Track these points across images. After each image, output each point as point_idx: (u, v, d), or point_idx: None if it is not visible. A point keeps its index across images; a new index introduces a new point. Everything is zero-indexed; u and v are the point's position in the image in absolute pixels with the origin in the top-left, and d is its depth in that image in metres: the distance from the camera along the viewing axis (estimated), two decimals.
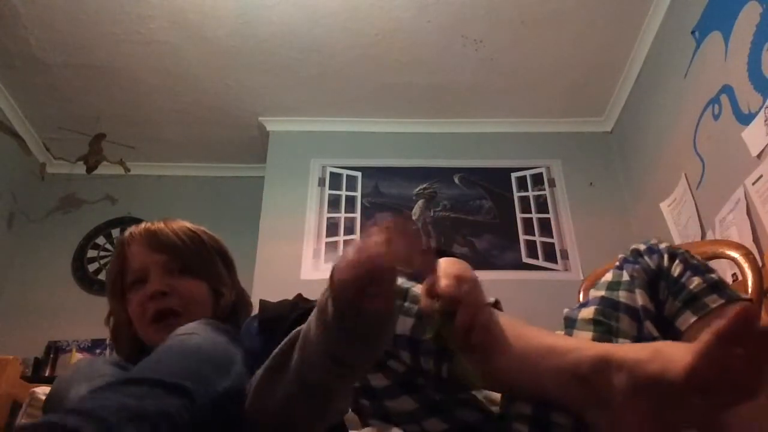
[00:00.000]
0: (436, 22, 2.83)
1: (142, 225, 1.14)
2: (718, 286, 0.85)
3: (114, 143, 3.35)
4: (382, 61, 3.04)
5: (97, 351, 3.11)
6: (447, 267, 0.82)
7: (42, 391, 1.15)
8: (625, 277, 0.89)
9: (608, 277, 0.92)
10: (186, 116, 3.37)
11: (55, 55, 2.97)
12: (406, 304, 0.84)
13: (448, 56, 3.02)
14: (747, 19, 2.11)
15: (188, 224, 1.16)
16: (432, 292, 0.79)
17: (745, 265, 1.14)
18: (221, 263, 1.15)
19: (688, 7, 2.53)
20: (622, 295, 0.87)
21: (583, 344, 0.74)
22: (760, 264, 1.16)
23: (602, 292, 0.89)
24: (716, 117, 2.31)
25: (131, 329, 1.08)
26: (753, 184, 2.03)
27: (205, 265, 1.11)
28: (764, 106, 1.98)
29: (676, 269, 0.88)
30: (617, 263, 0.93)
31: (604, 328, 0.84)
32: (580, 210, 3.16)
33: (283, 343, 0.75)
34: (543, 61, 3.05)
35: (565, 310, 0.91)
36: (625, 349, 0.69)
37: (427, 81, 3.17)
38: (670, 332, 0.85)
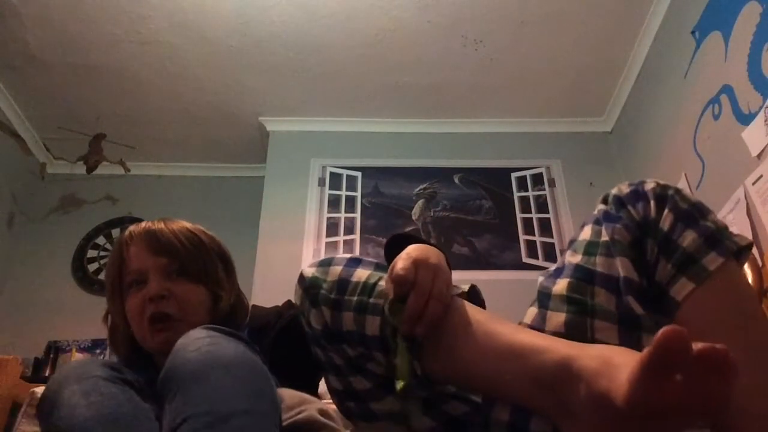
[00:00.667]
0: (436, 22, 2.83)
1: (142, 225, 1.14)
2: (715, 238, 0.72)
3: (114, 143, 3.35)
4: (382, 61, 3.04)
5: (97, 351, 3.10)
6: (410, 250, 0.76)
7: (42, 391, 1.15)
8: (604, 236, 0.76)
9: (587, 233, 0.79)
10: (186, 116, 3.37)
11: (55, 55, 2.97)
12: (372, 300, 0.75)
13: (448, 56, 3.02)
14: (747, 19, 2.11)
15: (188, 225, 1.15)
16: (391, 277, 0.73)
17: (745, 265, 1.14)
18: (221, 266, 1.14)
19: (688, 7, 2.52)
20: (599, 262, 0.74)
21: (550, 345, 0.65)
22: (760, 264, 1.16)
23: (578, 258, 0.77)
24: (716, 117, 2.30)
25: (128, 329, 1.08)
26: (753, 184, 2.03)
27: (204, 269, 1.11)
28: (764, 106, 1.98)
29: (666, 221, 0.74)
30: (596, 214, 0.80)
31: (579, 308, 0.73)
32: (580, 210, 3.15)
33: None
34: (543, 61, 3.05)
35: (540, 278, 0.79)
36: (587, 355, 0.60)
37: (427, 81, 3.17)
38: (663, 303, 0.73)
